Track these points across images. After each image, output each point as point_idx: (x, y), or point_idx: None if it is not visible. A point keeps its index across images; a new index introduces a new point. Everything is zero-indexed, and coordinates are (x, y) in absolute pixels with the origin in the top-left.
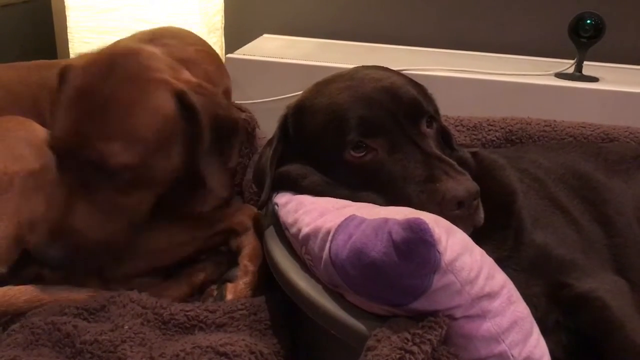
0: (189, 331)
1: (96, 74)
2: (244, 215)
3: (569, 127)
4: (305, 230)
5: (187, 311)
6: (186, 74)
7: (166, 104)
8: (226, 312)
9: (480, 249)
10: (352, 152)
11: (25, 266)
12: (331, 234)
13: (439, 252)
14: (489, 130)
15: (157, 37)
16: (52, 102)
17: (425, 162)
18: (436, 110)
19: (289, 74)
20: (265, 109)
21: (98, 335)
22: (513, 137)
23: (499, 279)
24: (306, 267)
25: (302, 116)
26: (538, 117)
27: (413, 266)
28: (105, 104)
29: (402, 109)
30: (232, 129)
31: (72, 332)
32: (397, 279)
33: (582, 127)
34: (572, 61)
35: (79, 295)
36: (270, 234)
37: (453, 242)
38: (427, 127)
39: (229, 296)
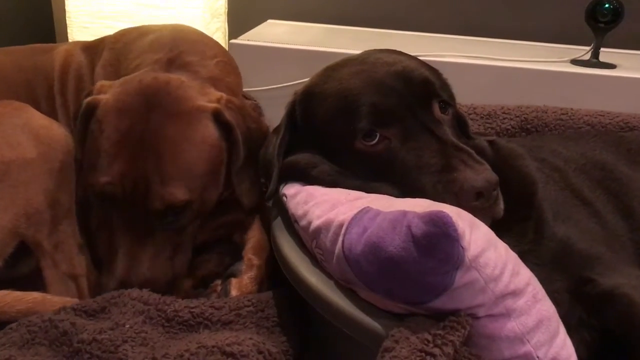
0: (193, 329)
1: (134, 113)
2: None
3: (586, 116)
4: (316, 223)
5: (192, 308)
6: (215, 93)
7: (210, 131)
8: (232, 309)
9: (504, 244)
10: (364, 141)
11: (21, 259)
12: (344, 227)
13: (462, 247)
14: (504, 119)
15: (175, 54)
16: (48, 89)
17: (441, 151)
18: (451, 96)
19: (294, 61)
20: (270, 96)
21: (97, 334)
22: (528, 126)
23: (524, 275)
24: (317, 262)
25: (310, 103)
26: (553, 104)
27: (434, 262)
28: (155, 145)
29: (414, 92)
30: (263, 141)
31: (70, 330)
32: (417, 276)
33: (600, 115)
34: (588, 47)
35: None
36: (278, 227)
37: (477, 236)
38: (442, 112)
39: (234, 292)
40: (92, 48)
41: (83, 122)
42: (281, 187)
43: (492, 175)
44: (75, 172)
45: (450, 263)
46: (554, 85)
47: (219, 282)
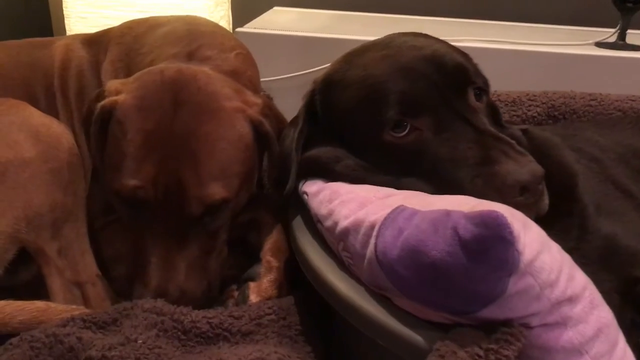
0: (211, 341)
1: (160, 111)
2: (266, 205)
3: (616, 101)
4: (343, 223)
5: (210, 318)
6: (250, 96)
7: (245, 131)
8: (253, 318)
9: (557, 245)
10: (392, 132)
11: (22, 267)
12: (376, 228)
13: (517, 251)
14: (529, 106)
15: (194, 48)
16: (48, 86)
17: (479, 142)
18: (486, 82)
19: (302, 49)
20: (278, 87)
21: (106, 350)
22: (556, 113)
23: (580, 279)
24: (343, 266)
25: (332, 92)
26: (577, 89)
27: (486, 269)
28: (189, 144)
29: (447, 79)
30: None
31: (76, 346)
32: (464, 284)
33: (632, 100)
34: (613, 29)
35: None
36: (299, 228)
37: (531, 237)
38: (477, 100)
39: (253, 297)
40: (94, 42)
41: (100, 126)
42: (300, 184)
43: (537, 168)
44: (79, 173)
45: (503, 269)
46: (577, 69)
47: (234, 287)
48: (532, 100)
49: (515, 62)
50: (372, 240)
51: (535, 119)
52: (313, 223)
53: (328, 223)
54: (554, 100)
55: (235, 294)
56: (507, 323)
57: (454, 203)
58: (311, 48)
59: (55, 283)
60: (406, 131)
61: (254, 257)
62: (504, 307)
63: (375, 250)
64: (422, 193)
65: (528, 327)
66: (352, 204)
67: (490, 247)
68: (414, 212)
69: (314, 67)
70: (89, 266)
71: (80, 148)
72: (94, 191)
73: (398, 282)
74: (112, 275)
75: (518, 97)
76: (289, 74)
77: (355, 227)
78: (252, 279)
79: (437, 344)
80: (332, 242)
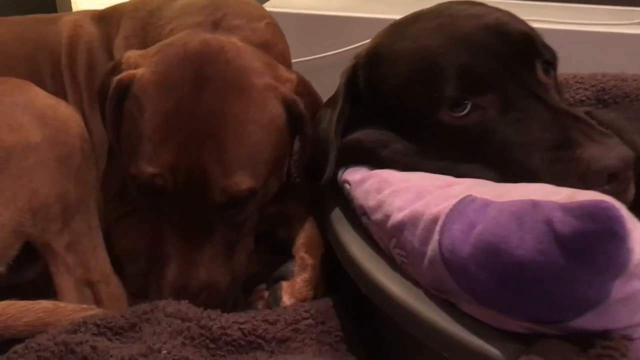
0: (244, 350)
1: (182, 88)
2: (296, 196)
3: None
4: (397, 216)
5: (242, 324)
6: (283, 71)
7: (277, 112)
8: (289, 324)
9: None
10: (450, 112)
11: (27, 264)
12: (440, 222)
13: (629, 249)
14: (577, 89)
15: (219, 16)
16: (54, 64)
17: (554, 122)
18: (553, 55)
19: (327, 29)
20: (301, 68)
21: None
22: (606, 96)
23: None
24: (395, 265)
25: (378, 67)
26: (624, 71)
27: (588, 270)
28: (214, 126)
29: (513, 50)
30: None
31: (90, 356)
32: (558, 288)
33: None
34: None
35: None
36: (339, 222)
37: (638, 233)
38: (546, 75)
39: (286, 298)
40: (105, 18)
41: (115, 102)
42: (340, 172)
43: (626, 152)
44: (90, 160)
45: (610, 271)
46: (623, 49)
47: (263, 286)
48: (580, 83)
49: (557, 42)
50: (436, 237)
51: (584, 103)
52: (354, 216)
53: (377, 216)
54: (603, 83)
55: (265, 294)
56: (606, 335)
57: (537, 192)
58: (336, 27)
59: (63, 282)
60: (467, 110)
61: (282, 254)
62: (604, 316)
63: (440, 248)
64: (487, 181)
65: (629, 339)
66: (407, 194)
67: (596, 245)
68: (487, 203)
69: (341, 48)
70: (101, 263)
71: (92, 134)
72: (109, 178)
73: (469, 285)
74: (127, 273)
75: (565, 79)
76: (314, 55)
77: (412, 221)
78: (284, 278)
79: (521, 358)
80: (382, 237)
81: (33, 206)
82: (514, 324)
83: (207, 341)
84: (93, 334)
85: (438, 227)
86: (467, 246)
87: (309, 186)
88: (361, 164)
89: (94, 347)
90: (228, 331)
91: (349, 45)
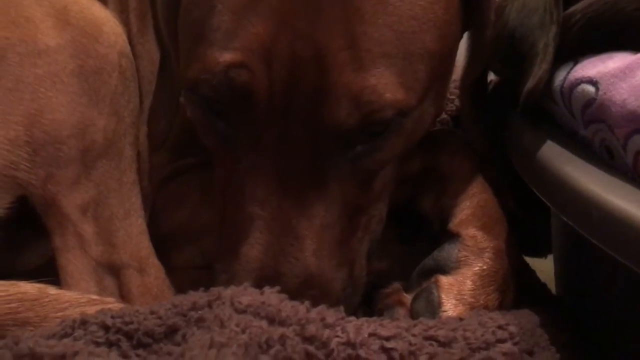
0: None
1: None
2: (452, 144)
3: None
4: None
5: (387, 339)
6: None
7: None
8: (474, 348)
9: None
10: None
11: (28, 241)
12: None
13: None
14: None
15: None
16: None
17: None
18: None
19: None
20: None
21: None
22: None
23: None
24: None
25: None
26: None
27: None
28: None
29: None
30: None
31: None
32: None
33: None
34: None
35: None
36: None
37: None
38: None
39: (449, 303)
40: None
41: None
42: (561, 72)
43: None
44: (129, 86)
45: None
46: None
47: (398, 285)
48: None
49: None
50: None
51: None
52: (608, 152)
53: None
54: None
55: (406, 298)
56: None
57: None
58: None
59: (72, 262)
60: None
61: (413, 243)
62: None
63: None
64: None
65: None
66: None
67: None
68: None
69: None
70: (135, 239)
71: (138, 59)
72: (156, 114)
73: None
74: (176, 260)
75: None
76: None
77: None
78: (443, 271)
79: None
80: None
81: (34, 137)
82: None
83: None
84: (94, 342)
85: None
86: None
87: (477, 124)
88: (611, 47)
89: None
90: (361, 352)
91: None
